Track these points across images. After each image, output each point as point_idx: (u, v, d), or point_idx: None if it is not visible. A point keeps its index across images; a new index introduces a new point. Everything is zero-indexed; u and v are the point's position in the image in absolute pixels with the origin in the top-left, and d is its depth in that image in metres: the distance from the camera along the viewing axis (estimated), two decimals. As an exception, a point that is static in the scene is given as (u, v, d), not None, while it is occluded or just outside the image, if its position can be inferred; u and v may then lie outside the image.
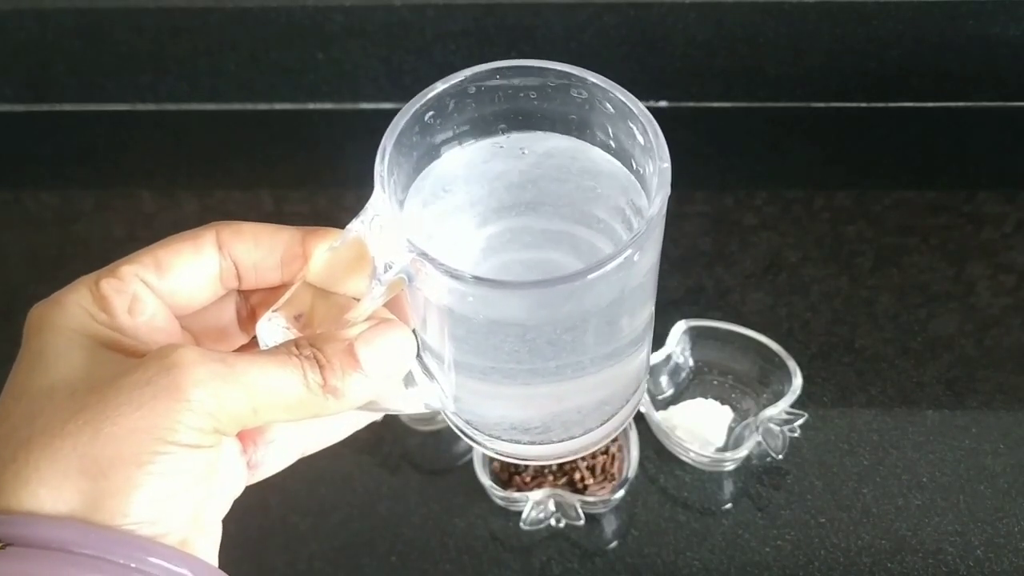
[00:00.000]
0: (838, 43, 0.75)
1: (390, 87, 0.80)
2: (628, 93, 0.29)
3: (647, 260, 0.28)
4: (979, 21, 0.73)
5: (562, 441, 0.33)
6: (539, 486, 0.58)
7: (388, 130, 0.28)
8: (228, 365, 0.26)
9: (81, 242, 0.75)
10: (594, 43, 0.75)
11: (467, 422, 0.33)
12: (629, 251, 0.26)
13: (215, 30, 0.77)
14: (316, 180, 0.79)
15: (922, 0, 0.72)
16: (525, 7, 0.73)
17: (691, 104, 0.80)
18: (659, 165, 0.28)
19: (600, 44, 0.76)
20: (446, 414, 0.34)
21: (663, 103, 0.80)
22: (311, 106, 0.83)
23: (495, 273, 0.31)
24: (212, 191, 0.80)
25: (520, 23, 0.74)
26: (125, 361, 0.27)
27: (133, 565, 0.25)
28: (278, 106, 0.83)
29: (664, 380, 0.63)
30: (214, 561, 0.28)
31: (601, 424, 0.33)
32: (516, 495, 0.57)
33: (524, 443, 0.33)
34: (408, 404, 0.32)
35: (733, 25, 0.75)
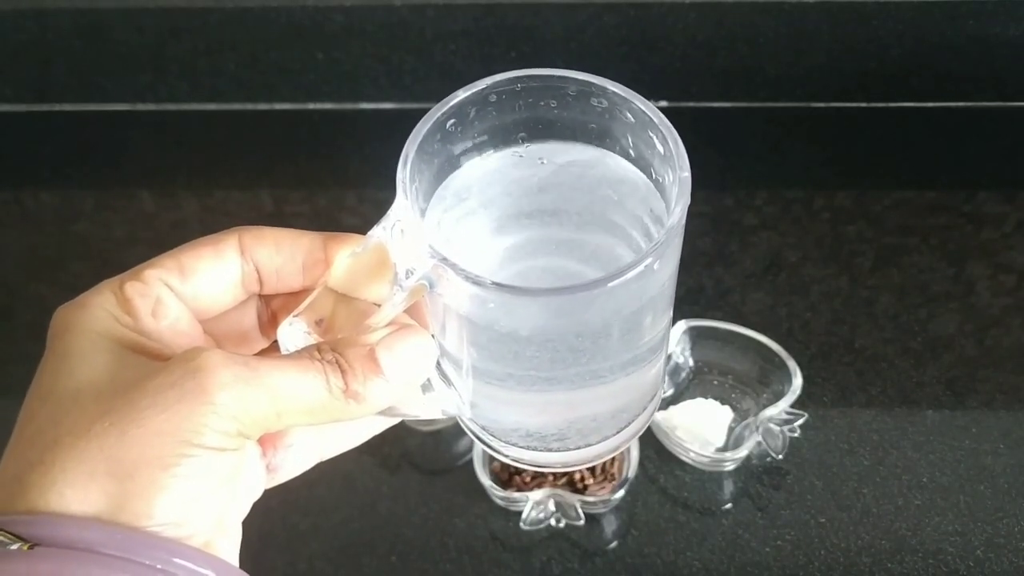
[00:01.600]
0: (838, 43, 0.75)
1: (390, 87, 0.80)
2: (648, 103, 0.29)
3: (667, 269, 0.28)
4: (979, 21, 0.73)
5: (578, 448, 0.33)
6: (539, 486, 0.58)
7: (410, 137, 0.29)
8: (252, 369, 0.26)
9: (81, 242, 0.75)
10: (594, 43, 0.76)
11: (483, 428, 0.34)
12: (649, 259, 0.26)
13: (215, 30, 0.77)
14: (316, 180, 0.79)
15: (922, 0, 0.72)
16: (525, 7, 0.73)
17: (691, 104, 0.80)
18: (679, 174, 0.28)
19: (600, 44, 0.76)
20: (462, 420, 0.34)
21: (663, 103, 0.80)
22: (311, 106, 0.83)
23: (515, 280, 0.31)
24: (212, 191, 0.80)
25: (520, 23, 0.74)
26: (149, 364, 0.27)
27: (159, 566, 0.25)
28: (278, 106, 0.83)
29: (664, 380, 0.63)
30: (235, 562, 0.29)
31: (618, 432, 0.33)
32: (516, 495, 0.57)
33: (540, 450, 0.33)
34: (426, 410, 0.32)
35: (733, 25, 0.75)
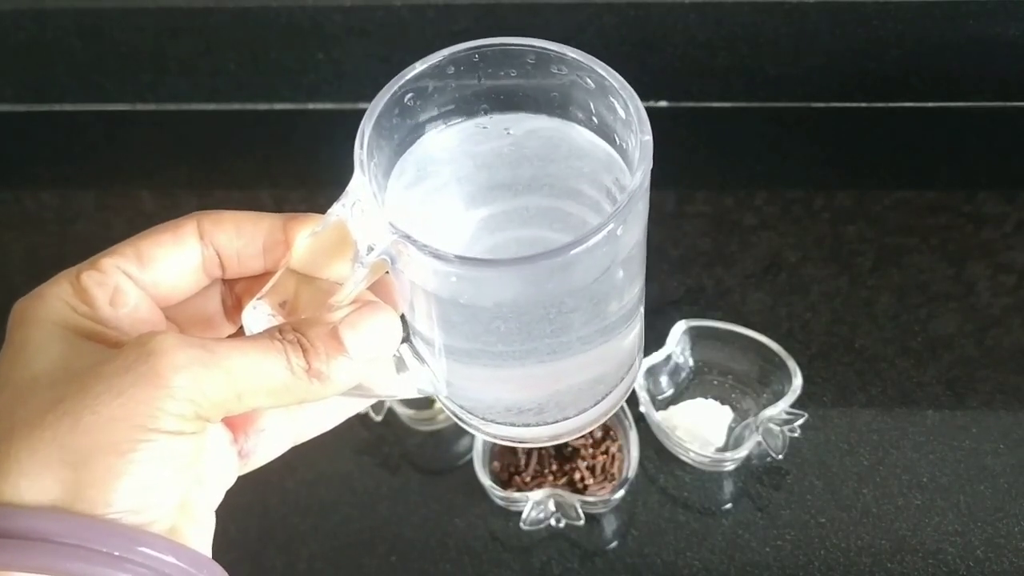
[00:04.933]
0: (838, 43, 0.75)
1: (390, 87, 0.80)
2: (608, 68, 0.29)
3: (632, 234, 0.28)
4: (979, 21, 0.73)
5: (557, 422, 0.33)
6: (539, 486, 0.58)
7: (367, 113, 0.28)
8: (209, 350, 0.26)
9: (81, 242, 0.75)
10: (594, 43, 0.75)
11: (461, 406, 0.33)
12: (612, 225, 0.26)
13: (215, 30, 0.77)
14: (316, 180, 0.78)
15: (922, 0, 0.72)
16: (525, 7, 0.73)
17: (691, 104, 0.80)
18: (640, 138, 0.27)
19: (600, 44, 0.76)
20: (440, 399, 0.34)
21: (663, 103, 0.80)
22: (311, 106, 0.83)
23: (485, 254, 0.31)
24: (212, 191, 0.80)
25: (520, 23, 0.74)
26: (106, 351, 0.27)
27: (117, 553, 0.24)
28: (278, 106, 0.83)
29: (664, 380, 0.63)
30: (207, 551, 0.28)
31: (595, 404, 0.33)
32: (516, 495, 0.57)
33: (519, 425, 0.33)
34: (400, 389, 0.32)
35: (733, 25, 0.75)
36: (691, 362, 0.64)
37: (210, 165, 0.81)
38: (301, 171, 0.79)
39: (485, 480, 0.57)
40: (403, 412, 0.62)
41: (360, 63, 0.79)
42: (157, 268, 0.29)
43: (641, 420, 0.60)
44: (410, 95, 0.29)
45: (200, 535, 0.28)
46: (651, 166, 0.27)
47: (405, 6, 0.74)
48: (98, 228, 0.76)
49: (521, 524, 0.56)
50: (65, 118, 0.84)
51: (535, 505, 0.56)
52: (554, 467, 0.58)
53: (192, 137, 0.83)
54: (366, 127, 0.28)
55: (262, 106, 0.83)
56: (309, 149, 0.81)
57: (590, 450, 0.59)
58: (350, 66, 0.79)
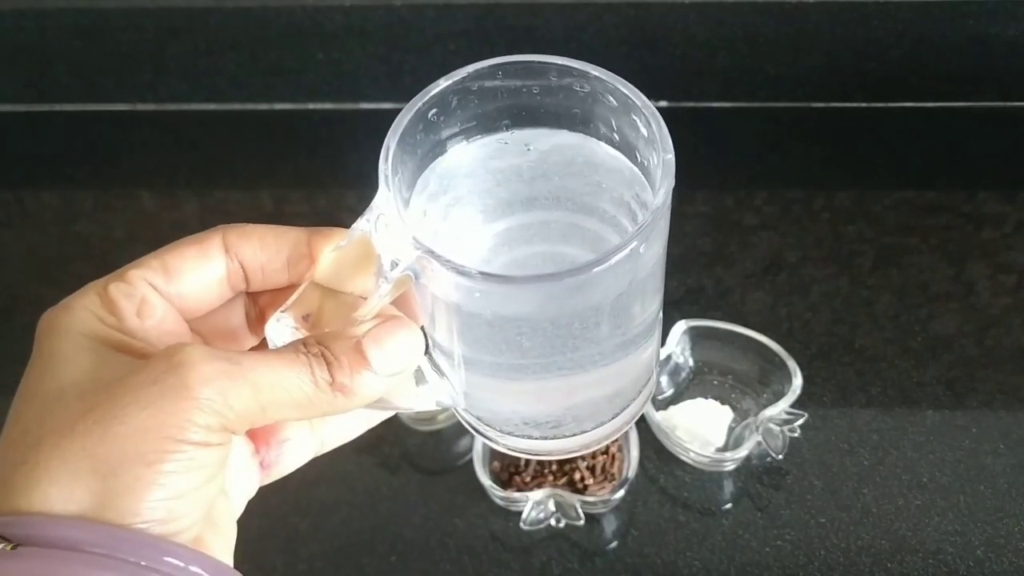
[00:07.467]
0: (838, 43, 0.75)
1: (390, 87, 0.80)
2: (631, 86, 0.29)
3: (653, 252, 0.28)
4: (979, 21, 0.73)
5: (574, 435, 0.33)
6: (539, 486, 0.58)
7: (391, 128, 0.28)
8: (235, 363, 0.26)
9: (81, 242, 0.75)
10: (594, 43, 0.76)
11: (478, 418, 0.33)
12: (635, 243, 0.26)
13: (215, 30, 0.77)
14: (316, 180, 0.79)
15: (922, 0, 0.72)
16: (525, 7, 0.74)
17: (691, 104, 0.80)
18: (663, 156, 0.28)
19: (600, 44, 0.76)
20: (457, 411, 0.34)
21: (663, 103, 0.80)
22: (311, 106, 0.83)
23: (505, 269, 0.31)
24: (212, 191, 0.80)
25: (520, 23, 0.74)
26: (134, 362, 0.27)
27: (144, 563, 0.25)
28: (278, 106, 0.83)
29: (664, 380, 0.63)
30: (229, 561, 0.28)
31: (613, 417, 0.33)
32: (516, 495, 0.57)
33: (536, 438, 0.33)
34: (419, 401, 0.32)
35: (733, 25, 0.75)
36: (691, 362, 0.64)
37: (210, 165, 0.81)
38: (301, 171, 0.79)
39: (485, 480, 0.57)
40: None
41: (360, 63, 0.79)
42: (183, 280, 0.29)
43: (641, 420, 0.60)
44: (434, 111, 0.30)
45: (223, 545, 0.28)
46: (674, 184, 0.27)
47: (405, 6, 0.74)
48: (98, 228, 0.76)
49: (521, 524, 0.56)
50: (65, 118, 0.84)
51: (535, 505, 0.56)
52: (554, 467, 0.58)
53: (192, 137, 0.83)
54: (391, 142, 0.28)
55: (262, 106, 0.83)
56: (309, 149, 0.81)
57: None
58: (350, 66, 0.79)
